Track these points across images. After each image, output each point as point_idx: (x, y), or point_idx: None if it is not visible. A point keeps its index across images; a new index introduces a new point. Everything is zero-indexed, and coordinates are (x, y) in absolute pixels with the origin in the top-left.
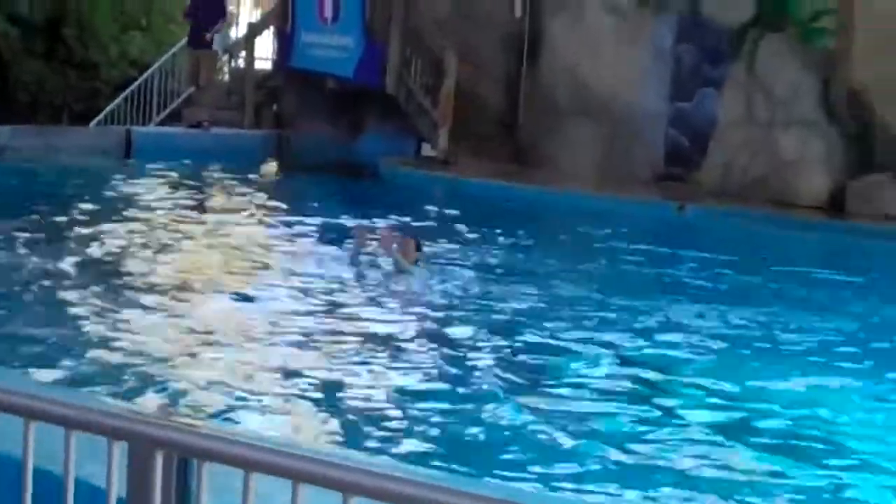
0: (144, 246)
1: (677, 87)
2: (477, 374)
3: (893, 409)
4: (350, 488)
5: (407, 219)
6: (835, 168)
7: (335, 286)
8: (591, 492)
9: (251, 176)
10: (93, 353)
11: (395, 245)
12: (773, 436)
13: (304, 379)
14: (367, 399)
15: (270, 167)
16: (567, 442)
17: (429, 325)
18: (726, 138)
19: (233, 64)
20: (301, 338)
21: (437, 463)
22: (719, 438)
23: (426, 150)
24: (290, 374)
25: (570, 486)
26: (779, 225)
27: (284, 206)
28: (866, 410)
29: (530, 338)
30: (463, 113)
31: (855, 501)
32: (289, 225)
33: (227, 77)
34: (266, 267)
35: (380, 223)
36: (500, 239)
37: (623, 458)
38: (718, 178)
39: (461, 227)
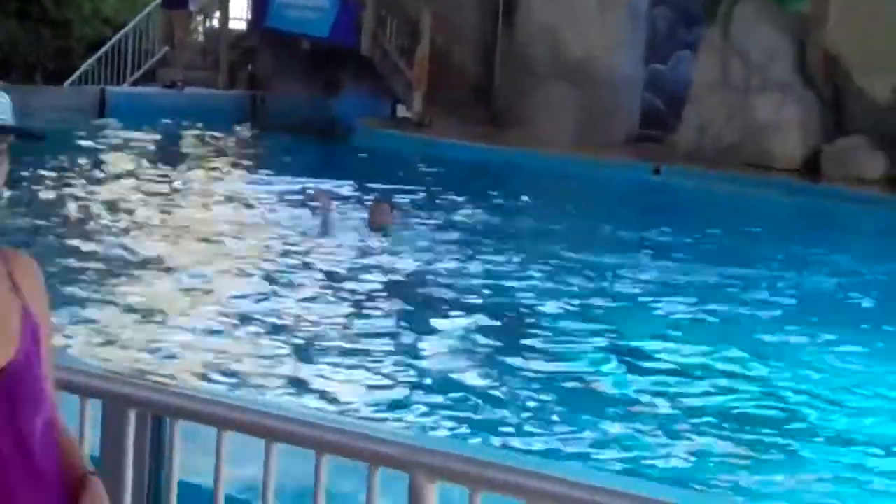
0: (115, 207)
1: (653, 50)
2: (452, 333)
3: (863, 359)
4: (322, 446)
5: (382, 180)
6: (810, 132)
7: (307, 246)
8: (566, 442)
9: (225, 137)
10: (72, 313)
11: (332, 204)
12: (744, 393)
13: (274, 339)
14: (339, 356)
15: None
16: (541, 399)
17: (402, 285)
18: (702, 101)
19: (207, 24)
20: (269, 298)
21: (409, 419)
22: (689, 397)
23: (401, 111)
24: (261, 333)
25: (540, 440)
26: (753, 187)
27: (258, 166)
28: (839, 364)
29: (504, 298)
30: (438, 74)
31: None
32: (261, 184)
33: (201, 37)
34: (237, 226)
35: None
36: (476, 200)
37: (600, 418)
38: (694, 140)
39: (436, 188)
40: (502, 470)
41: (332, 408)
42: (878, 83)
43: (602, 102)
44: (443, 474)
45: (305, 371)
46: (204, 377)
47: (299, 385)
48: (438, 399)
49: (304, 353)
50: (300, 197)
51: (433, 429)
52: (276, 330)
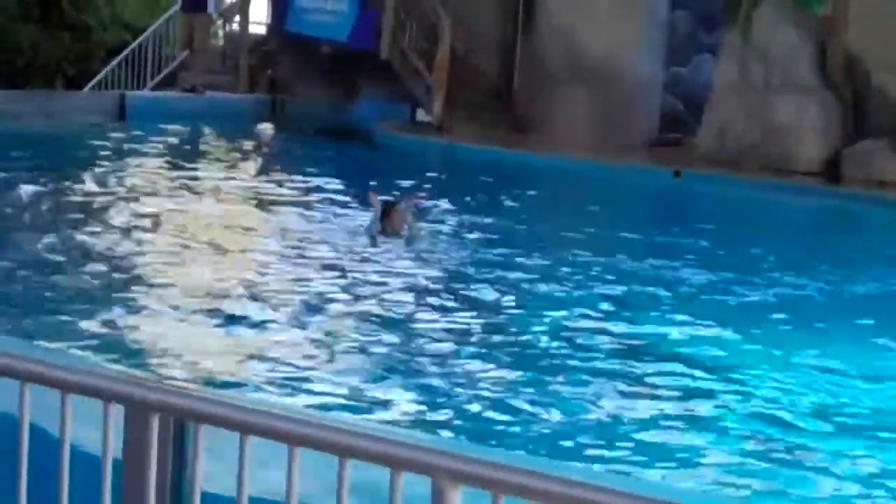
0: (137, 212)
1: (673, 52)
2: (469, 338)
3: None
4: (347, 451)
5: (401, 184)
6: (830, 134)
7: (337, 251)
8: (577, 450)
9: (246, 141)
10: (92, 317)
11: (378, 207)
12: (760, 400)
13: (311, 345)
14: (362, 357)
15: (266, 128)
16: (557, 405)
17: (424, 289)
18: (722, 104)
19: (227, 28)
20: (310, 300)
21: (430, 422)
22: (703, 404)
23: (421, 115)
24: (296, 342)
25: (548, 445)
26: (774, 191)
27: (280, 169)
28: (863, 369)
29: (522, 301)
30: (458, 78)
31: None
32: (283, 187)
33: (221, 41)
34: (264, 230)
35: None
36: (494, 205)
37: (609, 426)
38: (714, 143)
39: (455, 193)
40: (525, 474)
41: (354, 416)
42: None
43: (621, 106)
44: (466, 478)
45: (326, 375)
46: (233, 385)
47: (322, 386)
48: (457, 408)
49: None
50: (329, 198)
51: (454, 430)
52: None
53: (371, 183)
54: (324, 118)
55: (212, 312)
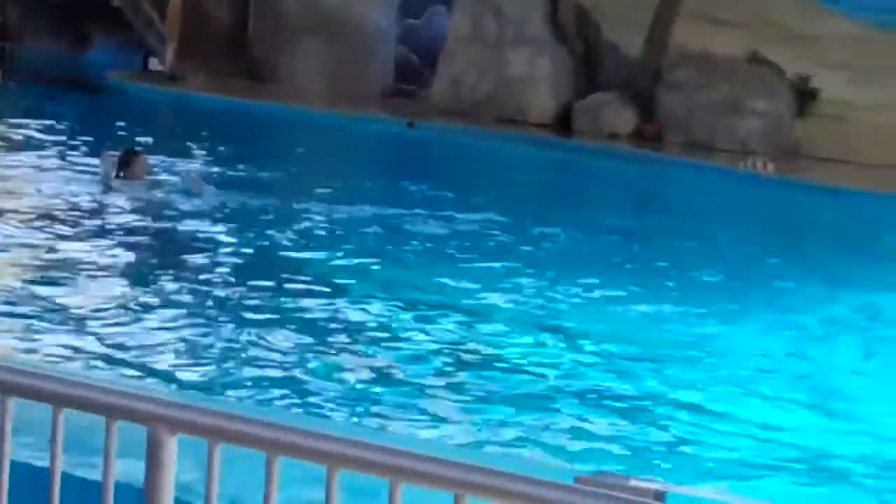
0: None
1: (407, 4)
2: (194, 284)
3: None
4: (62, 400)
5: (134, 133)
6: (562, 87)
7: (70, 199)
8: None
9: None
10: None
11: (110, 160)
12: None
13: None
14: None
15: None
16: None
17: (150, 233)
18: (455, 56)
19: None
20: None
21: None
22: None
23: (154, 64)
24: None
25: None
26: (506, 141)
27: (8, 118)
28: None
29: (260, 245)
30: (191, 27)
31: None
32: (9, 136)
33: None
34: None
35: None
36: (226, 153)
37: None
38: (448, 95)
39: (188, 141)
40: (243, 422)
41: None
42: (628, 38)
43: (357, 56)
44: (182, 426)
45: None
46: None
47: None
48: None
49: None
50: (60, 147)
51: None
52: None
53: (105, 143)
54: (54, 67)
55: None
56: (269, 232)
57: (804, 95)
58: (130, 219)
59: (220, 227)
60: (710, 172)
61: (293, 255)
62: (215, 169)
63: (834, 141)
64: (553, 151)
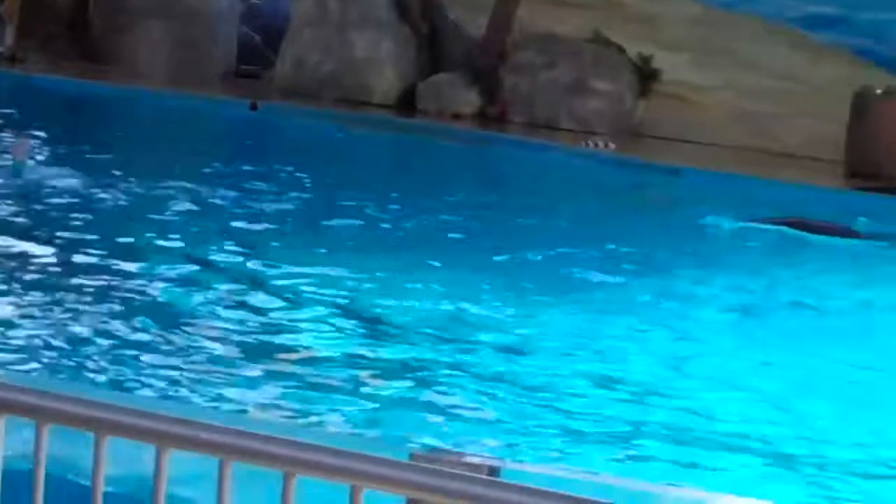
0: None
1: None
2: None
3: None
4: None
5: None
6: (406, 68)
7: None
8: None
9: None
10: None
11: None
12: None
13: None
14: None
15: None
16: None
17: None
18: (299, 37)
19: None
20: None
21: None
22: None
23: None
24: None
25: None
26: (349, 122)
27: None
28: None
29: (70, 227)
30: (31, 8)
31: None
32: None
33: None
34: None
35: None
36: (70, 136)
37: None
38: (291, 76)
39: (30, 123)
40: (71, 402)
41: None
42: (472, 19)
43: (198, 37)
44: (9, 407)
45: None
46: None
47: None
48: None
49: None
50: None
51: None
52: None
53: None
54: None
55: None
56: (94, 210)
57: (646, 76)
58: None
59: (40, 206)
60: (551, 152)
61: (116, 235)
62: (47, 148)
63: (675, 121)
64: (395, 132)
